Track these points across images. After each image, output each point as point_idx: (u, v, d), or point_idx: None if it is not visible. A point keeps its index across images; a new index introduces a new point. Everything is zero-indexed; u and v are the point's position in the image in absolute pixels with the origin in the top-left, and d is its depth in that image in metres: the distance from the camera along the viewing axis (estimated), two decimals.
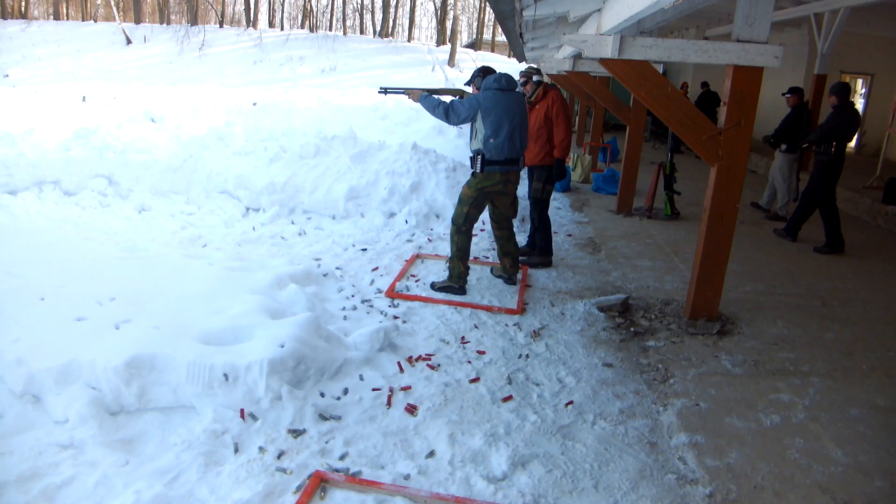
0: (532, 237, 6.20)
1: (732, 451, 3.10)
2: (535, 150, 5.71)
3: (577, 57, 7.79)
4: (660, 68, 6.81)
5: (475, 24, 49.59)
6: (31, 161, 7.90)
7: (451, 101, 4.81)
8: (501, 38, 40.93)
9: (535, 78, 5.82)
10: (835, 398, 3.64)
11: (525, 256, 6.01)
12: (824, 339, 4.45)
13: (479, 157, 4.78)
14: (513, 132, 4.78)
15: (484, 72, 5.00)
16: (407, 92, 5.14)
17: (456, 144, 10.53)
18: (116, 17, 38.33)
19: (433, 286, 5.09)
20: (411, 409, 3.37)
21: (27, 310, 3.67)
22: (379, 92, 5.30)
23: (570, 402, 3.52)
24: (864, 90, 14.37)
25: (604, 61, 4.37)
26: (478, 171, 4.81)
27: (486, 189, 4.88)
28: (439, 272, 5.57)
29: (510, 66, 27.13)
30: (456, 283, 5.02)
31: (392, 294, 4.96)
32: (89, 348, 3.32)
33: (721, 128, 4.24)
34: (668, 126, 4.56)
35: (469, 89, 5.26)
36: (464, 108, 4.74)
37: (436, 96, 4.91)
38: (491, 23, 44.98)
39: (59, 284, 4.02)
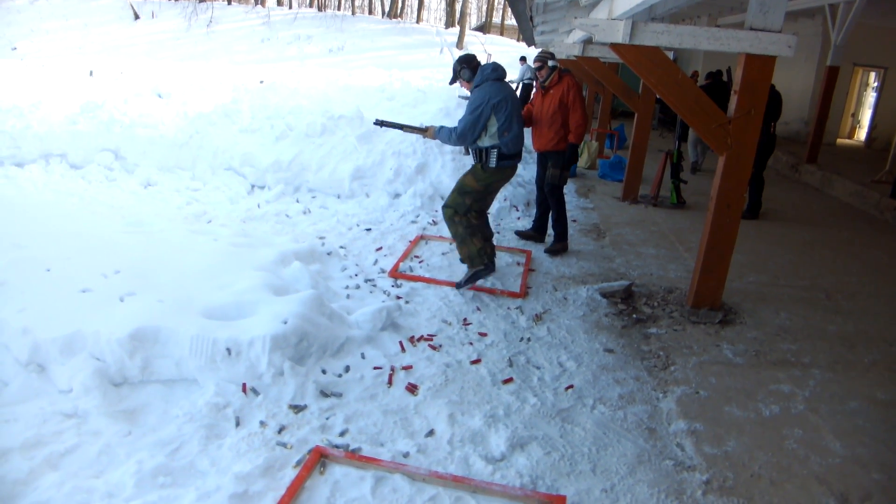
0: (538, 221, 6.17)
1: (731, 440, 3.11)
2: (549, 136, 5.61)
3: (588, 42, 7.73)
4: (670, 56, 6.76)
5: (485, 7, 49.22)
6: (39, 134, 7.90)
7: (461, 120, 4.46)
8: (511, 21, 40.61)
9: (549, 63, 5.63)
10: (835, 391, 3.64)
11: (531, 240, 6.05)
12: (827, 332, 4.45)
13: (495, 151, 4.49)
14: (520, 122, 4.60)
15: (469, 63, 4.60)
16: (419, 131, 4.76)
17: None
18: None
19: (458, 287, 4.71)
20: (412, 389, 3.39)
21: (33, 281, 3.69)
22: (375, 124, 4.91)
23: (571, 386, 3.54)
24: (876, 83, 14.23)
25: (614, 46, 4.33)
26: (492, 165, 4.52)
27: (495, 183, 4.69)
28: (443, 253, 5.58)
29: (520, 51, 26.94)
30: (479, 263, 4.64)
31: (395, 274, 4.97)
32: (94, 320, 3.34)
33: (731, 117, 4.21)
34: (676, 114, 4.53)
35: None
36: (475, 115, 4.39)
37: (445, 126, 4.65)
38: (500, 6, 44.63)
39: (65, 256, 4.04)
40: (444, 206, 4.73)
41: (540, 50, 5.86)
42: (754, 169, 7.00)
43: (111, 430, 2.86)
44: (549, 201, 5.90)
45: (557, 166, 5.65)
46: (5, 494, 2.45)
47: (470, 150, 4.69)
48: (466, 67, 4.55)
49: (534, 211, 6.45)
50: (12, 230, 4.41)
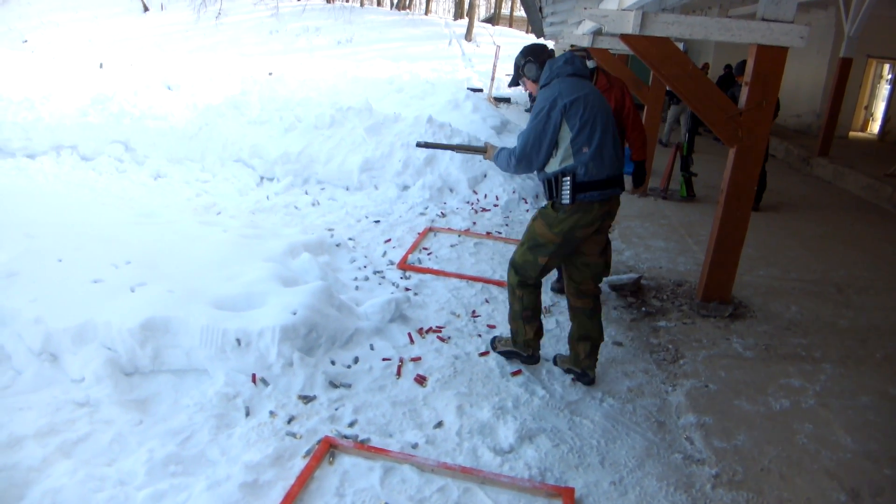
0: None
1: (740, 434, 3.11)
2: None
3: (597, 33, 7.69)
4: (681, 47, 6.70)
5: None
6: (50, 126, 7.95)
7: (520, 135, 3.26)
8: (520, 12, 40.40)
9: (589, 63, 4.45)
10: (846, 385, 3.62)
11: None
12: (838, 326, 4.42)
13: (568, 179, 3.12)
14: (612, 135, 3.21)
15: (535, 54, 3.38)
16: (474, 151, 3.84)
17: (471, 119, 10.45)
18: None
19: (494, 344, 3.75)
20: (421, 380, 3.39)
21: (45, 271, 3.72)
22: (418, 146, 4.13)
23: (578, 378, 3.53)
24: (890, 75, 14.08)
25: (625, 37, 4.30)
26: (565, 201, 3.14)
27: (579, 229, 3.20)
28: (451, 245, 5.57)
29: (529, 43, 26.83)
30: (522, 349, 3.59)
31: (404, 266, 4.97)
32: (105, 310, 3.36)
33: (742, 108, 4.18)
34: (687, 105, 4.50)
35: (511, 92, 4.00)
36: (537, 125, 3.14)
37: (507, 147, 3.42)
38: None
39: (76, 247, 4.06)
40: (511, 266, 3.47)
41: (570, 46, 4.94)
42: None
43: (123, 419, 2.89)
44: None
45: None
46: (19, 481, 2.47)
47: (542, 183, 3.33)
48: (532, 62, 3.36)
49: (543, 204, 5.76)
50: (24, 221, 4.44)
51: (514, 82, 3.59)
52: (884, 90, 14.34)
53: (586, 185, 3.12)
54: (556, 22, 12.37)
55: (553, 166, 3.18)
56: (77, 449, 2.69)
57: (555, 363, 3.68)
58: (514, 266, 3.44)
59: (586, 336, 3.48)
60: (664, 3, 5.24)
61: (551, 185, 3.20)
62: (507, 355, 3.66)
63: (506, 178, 7.32)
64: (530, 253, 3.33)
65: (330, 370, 3.38)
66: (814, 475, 2.84)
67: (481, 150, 3.69)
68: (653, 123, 7.96)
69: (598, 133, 3.12)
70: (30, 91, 9.18)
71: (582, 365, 3.49)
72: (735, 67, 7.94)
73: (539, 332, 3.58)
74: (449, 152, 7.33)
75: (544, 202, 3.31)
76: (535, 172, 3.32)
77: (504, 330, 4.04)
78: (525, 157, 3.20)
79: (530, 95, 5.40)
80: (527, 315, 3.49)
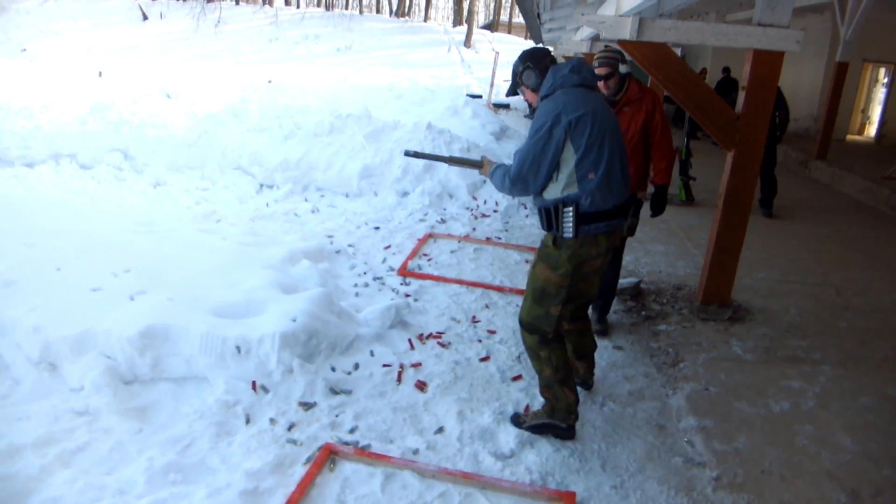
0: (603, 306, 4.21)
1: (741, 436, 3.10)
2: (633, 174, 3.87)
3: (595, 39, 7.72)
4: (678, 52, 6.72)
5: (492, 5, 49.19)
6: (49, 134, 7.97)
7: (516, 153, 2.85)
8: (518, 19, 40.55)
9: (622, 69, 3.91)
10: (846, 387, 3.62)
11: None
12: (837, 328, 4.42)
13: (570, 210, 2.74)
14: (621, 157, 2.86)
15: (535, 60, 2.92)
16: (470, 164, 3.26)
17: (471, 126, 10.48)
18: None
19: (518, 421, 3.10)
20: (421, 386, 3.39)
21: (44, 280, 3.72)
22: (406, 155, 3.56)
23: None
24: (886, 79, 14.11)
25: (622, 43, 4.32)
26: (567, 235, 2.76)
27: (585, 263, 2.88)
28: (451, 251, 5.58)
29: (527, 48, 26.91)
30: (562, 420, 3.01)
31: (404, 272, 4.98)
32: (104, 318, 3.36)
33: (739, 113, 4.19)
34: (685, 110, 4.51)
35: (508, 101, 3.35)
36: (536, 143, 2.72)
37: (504, 162, 3.04)
38: (508, 4, 44.58)
39: (75, 256, 4.07)
40: (521, 325, 3.01)
41: (603, 47, 4.12)
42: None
43: (122, 428, 2.88)
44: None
45: (636, 215, 4.10)
46: (18, 491, 2.47)
47: (537, 211, 2.92)
48: (532, 68, 2.90)
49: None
50: (23, 230, 4.45)
51: (513, 91, 3.10)
52: (880, 94, 14.36)
53: (591, 216, 2.75)
54: (554, 28, 12.43)
55: (553, 193, 2.78)
56: (76, 458, 2.69)
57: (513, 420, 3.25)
58: (525, 325, 2.97)
59: (583, 354, 3.36)
60: (661, 9, 5.26)
61: (550, 216, 2.81)
62: (540, 430, 3.04)
63: None
64: (538, 307, 2.91)
65: (330, 377, 3.38)
66: (814, 477, 2.83)
67: (477, 165, 3.18)
68: None
69: (606, 156, 2.74)
70: (28, 100, 9.21)
71: (582, 377, 3.40)
72: None
73: (575, 393, 3.05)
74: None
75: (562, 234, 2.80)
76: (532, 197, 2.94)
77: (505, 336, 4.04)
78: (521, 180, 2.80)
79: (529, 105, 4.87)
80: (561, 377, 2.97)
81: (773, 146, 7.26)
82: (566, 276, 2.83)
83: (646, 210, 4.21)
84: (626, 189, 2.91)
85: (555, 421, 3.02)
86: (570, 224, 2.74)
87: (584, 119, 2.68)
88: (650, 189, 4.20)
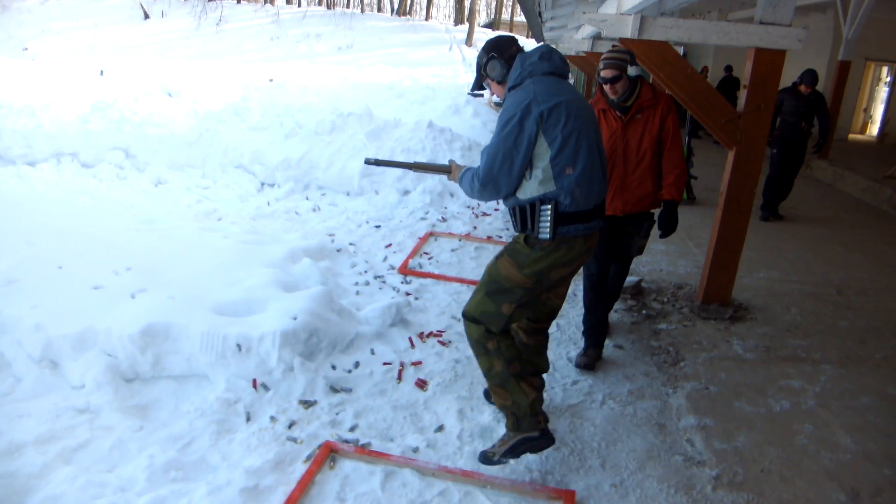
0: (595, 332, 3.80)
1: (741, 435, 3.10)
2: (635, 189, 3.57)
3: (597, 37, 7.72)
4: (680, 51, 6.70)
5: (493, 4, 49.14)
6: (50, 133, 7.98)
7: (483, 151, 2.56)
8: (520, 18, 40.53)
9: (631, 71, 3.48)
10: (846, 386, 3.62)
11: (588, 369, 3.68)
12: (838, 328, 4.42)
13: (548, 209, 2.48)
14: (600, 153, 2.64)
15: (500, 49, 2.63)
16: (437, 170, 2.98)
17: (472, 124, 10.48)
18: None
19: (487, 457, 2.70)
20: (421, 384, 3.40)
21: (45, 278, 3.73)
22: (366, 162, 3.19)
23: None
24: (889, 78, 14.09)
25: (623, 41, 4.31)
26: (544, 236, 2.50)
27: (556, 269, 2.58)
28: (452, 250, 5.57)
29: (529, 47, 26.89)
30: (531, 428, 2.66)
31: (405, 271, 4.98)
32: (106, 316, 3.37)
33: (740, 111, 4.19)
34: (686, 109, 4.50)
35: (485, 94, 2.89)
36: (506, 138, 2.45)
37: (467, 167, 2.71)
38: (509, 2, 44.53)
39: (77, 254, 4.08)
40: (465, 318, 2.71)
41: (612, 46, 3.84)
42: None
43: (123, 426, 2.89)
44: (608, 293, 3.85)
45: (647, 234, 3.72)
46: (20, 488, 2.48)
47: (509, 210, 2.64)
48: (497, 58, 2.61)
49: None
50: (24, 228, 4.45)
51: (478, 85, 2.79)
52: (882, 93, 14.35)
53: (571, 216, 2.49)
54: (555, 27, 12.42)
55: (528, 191, 2.51)
56: (77, 455, 2.69)
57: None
58: (470, 317, 2.66)
59: (535, 372, 2.92)
60: (663, 7, 5.26)
61: (525, 215, 2.53)
62: (514, 452, 2.67)
63: None
64: (490, 300, 2.60)
65: (331, 375, 3.38)
66: (814, 476, 2.83)
67: (445, 170, 2.90)
68: None
69: (584, 149, 2.49)
70: (30, 98, 9.22)
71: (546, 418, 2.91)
72: (801, 75, 6.93)
73: (542, 388, 2.77)
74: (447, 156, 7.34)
75: (537, 234, 2.52)
76: (502, 199, 2.60)
77: None
78: (492, 180, 2.49)
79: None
80: (516, 370, 2.63)
81: (803, 151, 7.14)
82: (530, 279, 2.55)
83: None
84: (606, 187, 2.72)
85: (524, 434, 2.65)
86: (548, 225, 2.48)
87: (557, 109, 2.43)
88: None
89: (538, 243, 2.53)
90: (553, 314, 2.96)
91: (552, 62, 2.56)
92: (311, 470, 2.66)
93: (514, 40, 2.70)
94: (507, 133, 2.45)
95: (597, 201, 2.60)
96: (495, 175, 2.49)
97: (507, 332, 2.70)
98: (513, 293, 2.58)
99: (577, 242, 2.56)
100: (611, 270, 3.82)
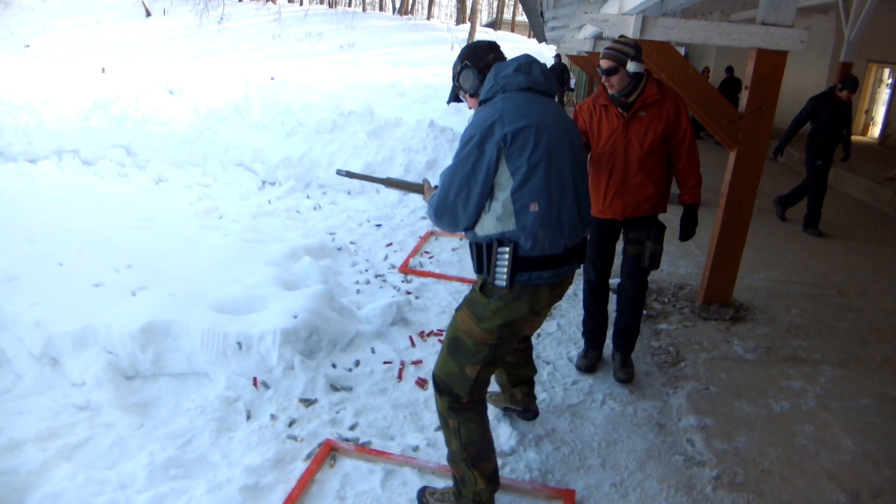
0: (594, 336, 3.75)
1: (741, 436, 3.10)
2: (638, 191, 3.35)
3: (598, 37, 7.72)
4: (682, 52, 6.70)
5: (495, 3, 49.14)
6: (51, 130, 7.99)
7: (441, 181, 2.19)
8: (522, 17, 40.54)
9: (631, 67, 3.14)
10: (846, 387, 3.62)
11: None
12: (838, 329, 4.42)
13: (506, 251, 2.11)
14: (576, 186, 2.22)
15: (474, 57, 2.31)
16: (408, 188, 2.74)
17: None
18: None
19: (423, 498, 2.52)
20: (422, 383, 3.39)
21: (46, 275, 3.73)
22: (338, 173, 2.99)
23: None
24: (890, 80, 14.09)
25: None
26: (500, 283, 2.14)
27: (520, 322, 2.23)
28: (453, 249, 5.57)
29: (531, 49, 26.86)
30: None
31: (405, 270, 4.98)
32: (106, 313, 3.37)
33: (742, 112, 4.19)
34: (688, 109, 4.49)
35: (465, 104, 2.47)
36: (463, 164, 2.09)
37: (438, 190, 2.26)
38: (511, 2, 44.53)
39: (77, 251, 4.08)
40: (434, 383, 2.38)
41: (619, 36, 3.45)
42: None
43: (123, 423, 2.89)
44: (624, 305, 3.62)
45: (659, 241, 3.42)
46: (20, 485, 2.48)
47: (469, 246, 2.28)
48: (470, 67, 2.29)
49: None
50: (25, 225, 4.46)
51: (454, 96, 2.47)
52: (884, 94, 14.34)
53: (533, 262, 2.12)
54: (557, 27, 12.42)
55: (485, 227, 2.14)
56: (77, 453, 2.69)
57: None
58: (437, 382, 2.34)
59: (520, 381, 2.89)
60: (665, 8, 5.26)
61: (482, 255, 2.16)
62: None
63: None
64: (453, 361, 2.27)
65: (331, 373, 3.38)
66: (814, 477, 2.83)
67: (418, 189, 2.64)
68: None
69: (556, 182, 2.12)
70: (31, 95, 9.22)
71: (522, 404, 2.96)
72: (843, 81, 6.57)
73: (494, 478, 2.40)
74: (449, 154, 7.33)
75: (494, 281, 2.17)
76: (462, 227, 2.22)
77: None
78: (447, 209, 2.15)
79: None
80: (470, 455, 2.32)
81: (829, 159, 6.77)
82: (490, 334, 2.19)
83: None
84: (583, 227, 2.27)
85: None
86: (505, 270, 2.11)
87: (524, 133, 2.06)
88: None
89: (495, 291, 2.17)
90: (530, 334, 2.77)
91: (530, 76, 2.18)
92: (311, 468, 2.66)
93: (492, 47, 2.36)
94: (464, 156, 2.09)
95: (567, 243, 2.20)
96: (451, 204, 2.14)
97: (476, 406, 2.35)
98: (476, 353, 2.22)
99: (541, 292, 2.19)
100: (623, 298, 3.58)
